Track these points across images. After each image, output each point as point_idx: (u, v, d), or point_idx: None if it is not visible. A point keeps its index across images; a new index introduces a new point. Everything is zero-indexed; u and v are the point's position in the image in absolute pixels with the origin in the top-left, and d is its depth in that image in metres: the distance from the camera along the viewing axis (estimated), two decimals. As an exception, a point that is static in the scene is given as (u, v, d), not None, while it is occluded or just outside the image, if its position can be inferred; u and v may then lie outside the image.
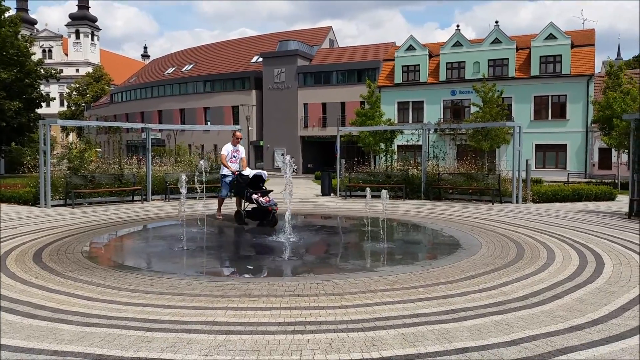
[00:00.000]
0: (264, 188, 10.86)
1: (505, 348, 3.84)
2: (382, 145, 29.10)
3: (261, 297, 5.21)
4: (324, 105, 45.84)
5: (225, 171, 11.40)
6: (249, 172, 10.74)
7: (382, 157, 24.25)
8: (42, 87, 35.97)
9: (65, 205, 14.51)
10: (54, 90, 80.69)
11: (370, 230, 9.56)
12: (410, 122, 40.23)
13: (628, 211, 12.44)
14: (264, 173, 10.91)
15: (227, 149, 11.46)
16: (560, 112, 36.83)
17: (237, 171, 11.08)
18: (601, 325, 4.35)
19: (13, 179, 21.76)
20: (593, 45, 37.66)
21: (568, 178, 29.37)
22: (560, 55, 36.34)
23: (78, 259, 7.23)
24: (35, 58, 34.04)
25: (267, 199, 10.34)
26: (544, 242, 8.61)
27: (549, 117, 37.07)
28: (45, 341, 3.98)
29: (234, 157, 11.56)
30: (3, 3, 30.37)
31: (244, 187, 10.54)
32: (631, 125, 12.93)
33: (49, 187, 14.18)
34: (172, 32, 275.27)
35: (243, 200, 10.83)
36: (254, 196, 10.30)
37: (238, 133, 11.76)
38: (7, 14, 31.12)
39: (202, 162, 13.35)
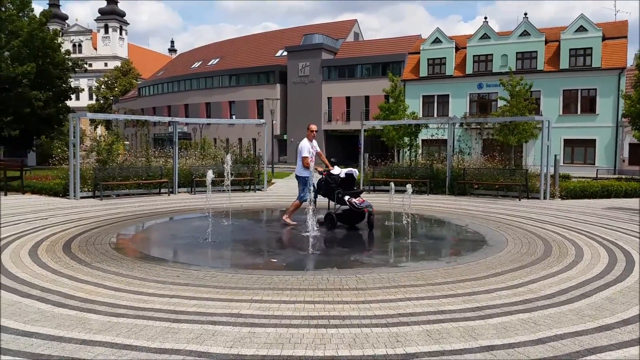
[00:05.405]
0: (355, 188, 9.87)
1: (532, 347, 3.77)
2: (406, 140, 29.00)
3: (285, 291, 5.23)
4: (347, 99, 45.70)
5: (304, 172, 9.72)
6: (338, 170, 9.58)
7: (406, 152, 24.11)
8: (71, 80, 36.64)
9: (93, 197, 14.79)
10: (83, 83, 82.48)
11: (394, 225, 9.53)
12: (436, 116, 39.78)
13: (660, 208, 12.11)
14: (355, 171, 9.78)
15: (307, 147, 9.66)
16: (589, 106, 35.96)
17: (325, 171, 9.78)
18: (632, 326, 4.24)
19: (43, 171, 22.29)
20: (625, 37, 36.61)
21: (597, 174, 28.69)
22: (591, 48, 35.42)
23: (106, 250, 7.37)
24: (64, 50, 34.70)
25: (361, 199, 9.34)
26: (572, 239, 8.44)
27: (578, 112, 36.21)
28: (75, 330, 4.07)
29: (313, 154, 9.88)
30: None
31: (335, 187, 9.45)
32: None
33: (78, 179, 14.48)
34: (196, 26, 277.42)
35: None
36: (346, 198, 9.24)
37: (313, 126, 10.01)
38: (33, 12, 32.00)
39: (228, 156, 13.44)
